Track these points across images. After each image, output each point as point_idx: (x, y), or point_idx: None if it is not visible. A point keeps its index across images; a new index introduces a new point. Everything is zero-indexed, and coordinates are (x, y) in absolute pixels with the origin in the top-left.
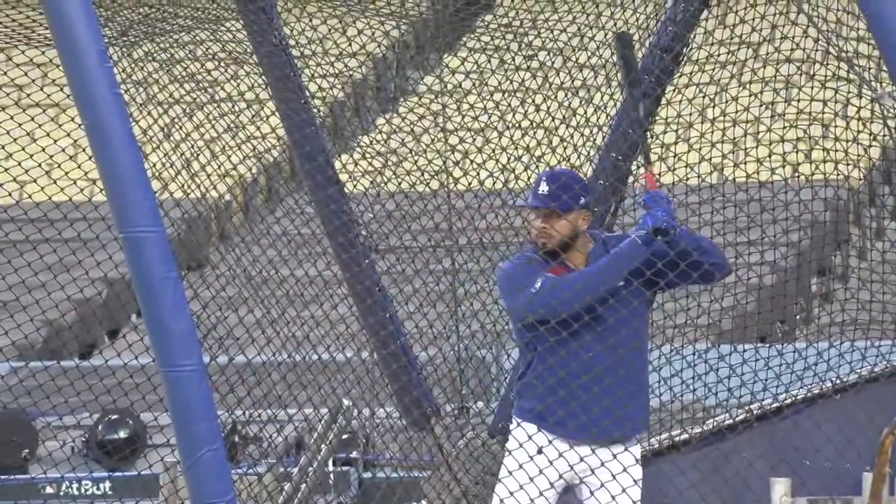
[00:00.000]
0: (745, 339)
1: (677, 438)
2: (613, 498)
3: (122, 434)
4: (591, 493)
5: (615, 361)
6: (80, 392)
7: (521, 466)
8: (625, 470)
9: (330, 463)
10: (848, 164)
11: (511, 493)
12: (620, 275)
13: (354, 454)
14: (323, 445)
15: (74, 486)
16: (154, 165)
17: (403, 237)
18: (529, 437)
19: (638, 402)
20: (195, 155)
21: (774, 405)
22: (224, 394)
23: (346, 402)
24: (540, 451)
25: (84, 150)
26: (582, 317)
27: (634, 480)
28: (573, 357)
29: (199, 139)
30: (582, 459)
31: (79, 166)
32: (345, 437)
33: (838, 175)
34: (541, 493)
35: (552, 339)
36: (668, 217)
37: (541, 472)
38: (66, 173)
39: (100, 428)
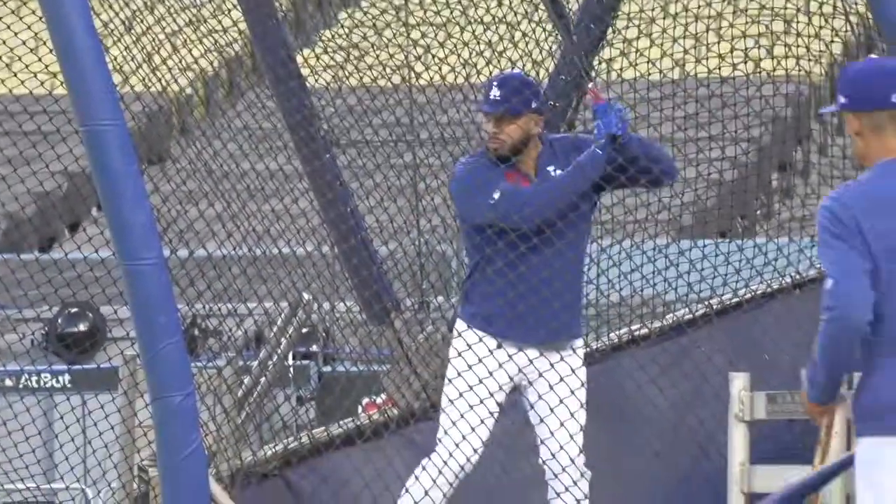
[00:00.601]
0: (705, 234)
1: (637, 333)
2: (561, 401)
3: (82, 327)
4: (540, 396)
5: (562, 265)
6: (39, 285)
7: (470, 368)
8: (573, 372)
9: (290, 356)
10: (810, 60)
11: (461, 395)
12: (583, 186)
13: (314, 348)
14: (283, 339)
15: (34, 379)
16: (115, 59)
17: (365, 131)
18: (480, 339)
19: (580, 305)
20: (156, 48)
21: (734, 300)
22: (184, 287)
23: (305, 295)
24: (490, 353)
25: (45, 42)
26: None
27: (582, 382)
28: (519, 261)
29: (160, 32)
30: (531, 362)
31: (39, 59)
32: (304, 330)
33: (800, 71)
34: (491, 395)
35: (499, 244)
36: (621, 122)
37: (491, 374)
38: (27, 66)
39: (59, 321)
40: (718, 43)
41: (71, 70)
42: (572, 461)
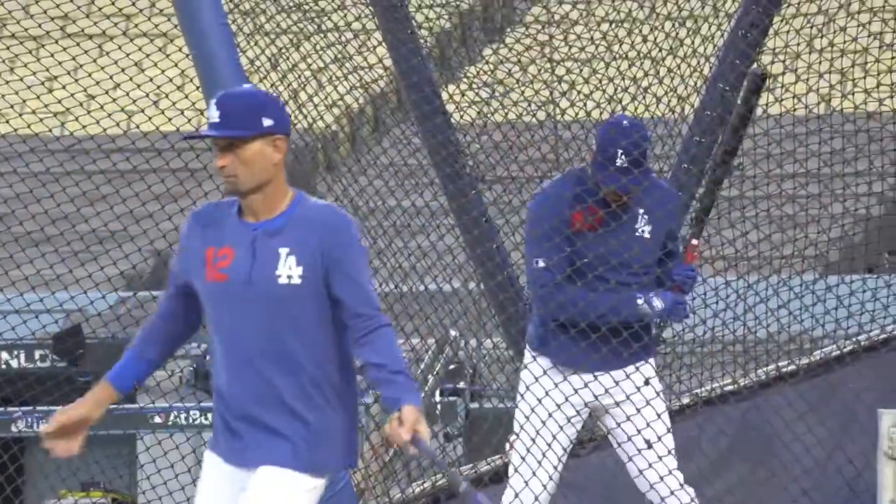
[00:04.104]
0: (852, 269)
1: (784, 370)
2: (638, 416)
3: None
4: (627, 436)
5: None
6: None
7: (540, 402)
8: (638, 390)
9: (437, 393)
10: None
11: (537, 432)
12: (612, 318)
13: (461, 385)
14: (430, 376)
15: (182, 415)
16: None
17: (510, 168)
18: (545, 372)
19: (641, 333)
20: (302, 85)
21: (882, 336)
22: None
23: (453, 332)
24: (556, 386)
25: (192, 79)
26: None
27: (657, 392)
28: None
29: (306, 69)
30: (606, 390)
31: (186, 96)
32: (452, 367)
33: None
34: (561, 429)
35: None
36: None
37: (558, 407)
38: (174, 103)
39: (207, 358)
40: (864, 78)
41: None
42: (672, 492)
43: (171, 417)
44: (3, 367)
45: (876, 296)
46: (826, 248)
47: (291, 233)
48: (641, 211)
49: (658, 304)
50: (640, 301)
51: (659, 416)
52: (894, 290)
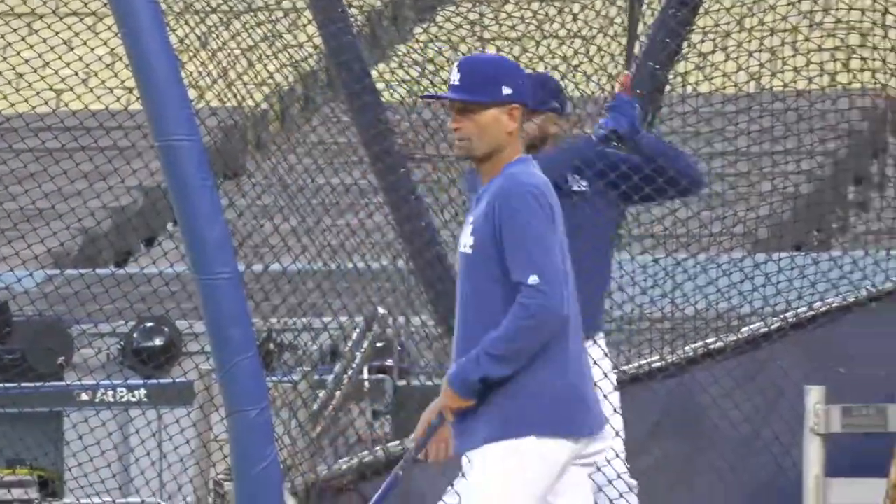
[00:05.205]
0: (781, 247)
1: (712, 347)
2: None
3: (158, 342)
4: None
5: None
6: (115, 300)
7: None
8: (606, 375)
9: (365, 371)
10: (886, 73)
11: None
12: (566, 165)
13: (389, 362)
14: (358, 353)
15: (110, 393)
16: (191, 74)
17: (440, 146)
18: None
19: (597, 302)
20: (232, 64)
21: (810, 313)
22: (259, 301)
23: (381, 310)
24: None
25: (121, 58)
26: None
27: (614, 386)
28: None
29: (235, 48)
30: None
31: (115, 75)
32: (379, 345)
33: (876, 84)
34: None
35: None
36: (631, 123)
37: None
38: (103, 82)
39: (135, 335)
40: (794, 56)
41: (146, 85)
42: (619, 475)
43: (98, 395)
44: None
45: (804, 273)
46: (755, 226)
47: (480, 202)
48: None
49: (609, 121)
50: (593, 137)
51: (607, 395)
52: (822, 267)
